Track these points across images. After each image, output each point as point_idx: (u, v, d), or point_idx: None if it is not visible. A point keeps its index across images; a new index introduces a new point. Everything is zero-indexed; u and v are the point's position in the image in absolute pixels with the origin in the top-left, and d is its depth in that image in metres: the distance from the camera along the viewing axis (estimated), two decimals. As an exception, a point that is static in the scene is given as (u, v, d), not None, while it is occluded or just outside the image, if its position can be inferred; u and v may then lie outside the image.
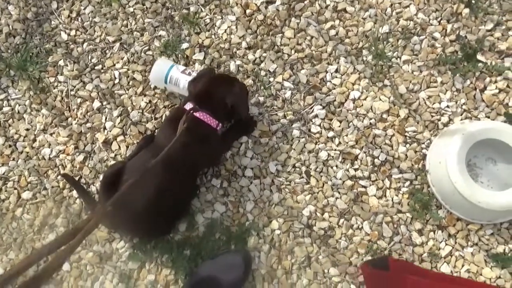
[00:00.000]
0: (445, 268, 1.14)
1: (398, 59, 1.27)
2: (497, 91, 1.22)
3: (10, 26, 1.37)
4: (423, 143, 1.22)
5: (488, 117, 1.21)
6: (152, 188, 1.07)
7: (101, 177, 1.26)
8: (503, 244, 1.14)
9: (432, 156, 1.18)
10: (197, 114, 1.10)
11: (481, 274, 1.13)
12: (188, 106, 1.11)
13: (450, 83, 1.24)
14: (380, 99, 1.25)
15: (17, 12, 1.38)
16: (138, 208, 1.08)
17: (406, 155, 1.21)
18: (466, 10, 1.28)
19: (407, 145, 1.22)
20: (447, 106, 1.23)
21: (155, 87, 1.29)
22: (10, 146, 1.31)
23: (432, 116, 1.23)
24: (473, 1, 1.27)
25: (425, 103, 1.24)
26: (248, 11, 1.32)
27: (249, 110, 1.23)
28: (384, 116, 1.24)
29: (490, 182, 1.17)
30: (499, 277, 1.12)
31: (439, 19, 1.29)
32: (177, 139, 1.04)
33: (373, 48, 1.26)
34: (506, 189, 1.07)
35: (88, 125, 1.30)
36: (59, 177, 1.28)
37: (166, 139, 1.06)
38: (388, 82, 1.25)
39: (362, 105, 1.25)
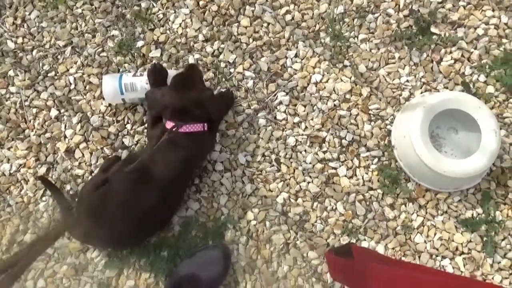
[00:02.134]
0: (418, 239, 1.17)
1: (356, 38, 1.28)
2: (452, 61, 1.25)
3: (-49, 39, 1.29)
4: (387, 119, 1.23)
5: (447, 88, 1.24)
6: (136, 199, 1.07)
7: (67, 187, 1.22)
8: (471, 209, 1.18)
9: (397, 131, 1.20)
10: (182, 129, 1.08)
11: (453, 240, 1.17)
12: (169, 125, 1.09)
13: (408, 57, 1.26)
14: (341, 80, 1.26)
15: (-44, 24, 1.30)
16: (117, 220, 1.07)
17: (371, 133, 1.23)
18: (416, -16, 1.29)
19: (372, 123, 1.24)
20: (407, 81, 1.25)
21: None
22: (-34, 165, 1.25)
23: (393, 92, 1.25)
24: (422, -25, 1.29)
25: (385, 79, 1.25)
26: (201, 2, 1.29)
27: (222, 113, 1.23)
28: (347, 96, 1.25)
29: (453, 151, 1.20)
30: (470, 241, 1.16)
31: (391, -5, 1.30)
32: (166, 150, 1.05)
33: (330, 29, 1.27)
34: (469, 156, 1.10)
35: (47, 135, 1.25)
36: (22, 191, 1.23)
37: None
38: (348, 63, 1.26)
39: (325, 87, 1.25)
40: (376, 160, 1.22)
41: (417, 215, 1.18)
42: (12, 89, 1.27)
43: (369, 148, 1.22)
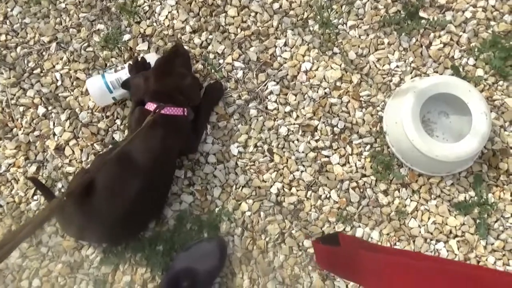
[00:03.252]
0: (412, 223, 1.18)
1: (344, 25, 1.27)
2: (441, 45, 1.25)
3: None
4: (378, 106, 1.23)
5: (437, 72, 1.24)
6: (121, 188, 1.05)
7: (59, 185, 1.21)
8: (464, 192, 1.19)
9: (388, 117, 1.20)
10: (164, 111, 1.07)
11: (446, 224, 1.18)
12: (150, 106, 1.08)
13: (397, 43, 1.26)
14: (331, 68, 1.25)
15: None
16: (106, 212, 1.05)
17: (363, 119, 1.23)
18: (404, -31, 1.28)
19: (363, 110, 1.23)
20: (397, 66, 1.24)
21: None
22: (-46, 167, 1.23)
23: (384, 78, 1.24)
24: (409, -41, 1.28)
25: (375, 66, 1.25)
26: (187, -7, 1.28)
27: (199, 92, 1.20)
28: (338, 84, 1.24)
29: (445, 135, 1.21)
30: (463, 224, 1.17)
31: (379, -20, 1.29)
32: (145, 132, 1.02)
33: (318, 17, 1.26)
34: (460, 139, 1.11)
35: (36, 133, 1.23)
36: (13, 191, 1.21)
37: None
38: (338, 50, 1.26)
39: (315, 75, 1.25)
40: (368, 147, 1.22)
41: (411, 200, 1.19)
42: (-2, 87, 1.25)
43: (361, 135, 1.22)
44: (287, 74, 1.25)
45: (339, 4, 1.27)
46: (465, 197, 1.18)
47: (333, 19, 1.26)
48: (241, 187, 1.20)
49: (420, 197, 1.19)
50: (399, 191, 1.19)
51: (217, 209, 1.19)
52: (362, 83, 1.24)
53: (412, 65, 1.24)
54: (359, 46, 1.26)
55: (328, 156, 1.21)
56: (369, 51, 1.26)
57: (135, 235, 1.18)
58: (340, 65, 1.25)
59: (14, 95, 1.25)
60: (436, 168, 1.17)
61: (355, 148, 1.22)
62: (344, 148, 1.22)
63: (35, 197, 1.21)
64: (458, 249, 1.16)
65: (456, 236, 1.17)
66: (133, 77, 1.13)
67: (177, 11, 1.27)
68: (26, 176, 1.21)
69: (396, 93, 1.22)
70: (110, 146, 1.22)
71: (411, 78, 1.24)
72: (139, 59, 1.17)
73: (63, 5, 1.28)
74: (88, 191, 1.04)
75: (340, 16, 1.27)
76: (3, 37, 1.27)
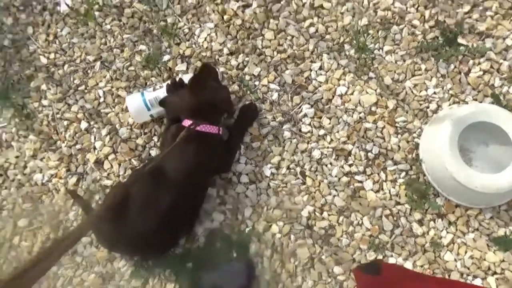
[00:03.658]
0: (448, 256, 1.13)
1: (381, 50, 1.27)
2: (481, 72, 1.22)
3: (-11, 55, 1.35)
4: (415, 132, 1.21)
5: (476, 100, 1.21)
6: (154, 202, 1.07)
7: (96, 197, 1.25)
8: (504, 227, 1.14)
9: (425, 145, 1.17)
10: (198, 128, 1.11)
11: (484, 259, 1.13)
12: (186, 123, 1.12)
13: (435, 69, 1.24)
14: (367, 92, 1.24)
15: (-7, 41, 1.36)
16: (139, 225, 1.07)
17: (398, 146, 1.21)
18: (443, -5, 1.28)
19: (399, 136, 1.22)
20: (434, 93, 1.22)
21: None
22: (1, 175, 1.30)
23: (421, 104, 1.22)
24: (449, -15, 1.27)
25: (412, 91, 1.23)
26: (225, 17, 1.31)
27: (232, 105, 1.23)
28: (373, 108, 1.23)
29: (484, 165, 1.17)
30: (503, 261, 1.12)
31: (416, 6, 1.28)
32: (179, 147, 1.06)
33: (355, 41, 1.26)
34: (501, 170, 1.07)
35: (78, 146, 1.29)
36: (53, 201, 1.27)
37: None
38: (373, 74, 1.25)
39: (350, 99, 1.24)
40: (403, 174, 1.19)
41: (447, 232, 1.15)
42: (45, 102, 1.32)
43: (396, 161, 1.20)
44: (322, 98, 1.25)
45: (375, 29, 1.27)
46: (505, 232, 1.13)
47: (369, 44, 1.26)
48: (272, 209, 1.20)
49: (457, 229, 1.15)
50: (434, 222, 1.16)
51: (247, 229, 1.20)
52: (398, 109, 1.23)
53: (450, 92, 1.22)
54: (395, 72, 1.25)
55: (361, 182, 1.20)
56: (406, 77, 1.24)
57: (166, 250, 1.19)
58: (376, 90, 1.24)
59: (60, 109, 1.31)
60: (475, 200, 1.13)
61: (390, 175, 1.20)
62: (378, 174, 1.20)
63: (73, 208, 1.26)
64: (497, 287, 1.11)
65: (495, 273, 1.12)
66: (169, 95, 1.17)
67: (216, 34, 1.31)
68: (66, 188, 1.26)
69: (433, 120, 1.19)
70: (146, 161, 1.25)
71: (449, 105, 1.21)
72: (177, 79, 1.21)
73: (108, 27, 1.34)
74: (123, 204, 1.07)
75: (376, 41, 1.27)
76: (52, 56, 1.34)
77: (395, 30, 1.27)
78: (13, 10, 1.37)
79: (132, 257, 1.21)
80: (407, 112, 1.23)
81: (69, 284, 1.22)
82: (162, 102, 1.18)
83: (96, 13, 1.34)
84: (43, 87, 1.32)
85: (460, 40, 1.24)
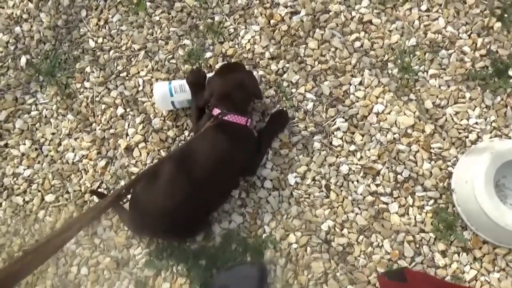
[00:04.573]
0: (469, 293, 1.09)
1: (425, 73, 1.23)
2: (529, 108, 1.17)
3: (41, 33, 1.41)
4: (449, 161, 1.17)
5: (520, 136, 1.16)
6: (177, 186, 1.09)
7: (122, 182, 1.28)
8: (533, 270, 1.08)
9: (459, 175, 1.13)
10: (226, 118, 1.12)
11: (507, 301, 1.07)
12: (215, 111, 1.13)
13: (479, 99, 1.20)
14: (404, 114, 1.21)
15: (48, 20, 1.42)
16: (160, 205, 1.09)
17: (430, 172, 1.17)
18: (498, 24, 1.23)
19: (432, 162, 1.18)
20: (476, 123, 1.18)
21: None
22: (36, 149, 1.35)
23: (460, 133, 1.18)
24: (505, 15, 1.23)
25: (452, 119, 1.20)
26: (272, 21, 1.31)
27: (260, 90, 1.23)
28: (409, 131, 1.20)
29: (520, 204, 1.12)
30: (527, 305, 1.07)
31: (469, 32, 1.24)
32: (203, 137, 1.08)
33: (399, 61, 1.23)
34: (537, 212, 1.02)
35: (111, 131, 1.32)
36: (81, 181, 1.30)
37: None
38: (414, 97, 1.22)
39: (386, 119, 1.22)
40: (432, 201, 1.15)
41: (471, 268, 1.10)
42: (87, 84, 1.36)
43: (426, 188, 1.16)
44: (358, 113, 1.23)
45: (422, 51, 1.24)
46: (533, 276, 1.08)
47: (414, 65, 1.23)
48: (292, 218, 1.19)
49: (482, 266, 1.10)
50: (458, 255, 1.11)
51: (264, 235, 1.19)
52: (435, 135, 1.19)
53: (493, 124, 1.17)
54: (437, 96, 1.21)
55: (387, 203, 1.17)
56: (448, 103, 1.21)
57: (183, 236, 1.20)
58: (414, 113, 1.21)
59: (100, 93, 1.35)
60: (505, 239, 1.08)
61: (417, 201, 1.16)
62: (405, 198, 1.17)
63: (99, 190, 1.28)
64: (518, 332, 1.05)
65: (517, 317, 1.07)
66: (196, 80, 1.20)
67: (260, 37, 1.32)
68: (88, 190, 1.28)
69: (471, 150, 1.15)
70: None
71: (490, 137, 1.17)
72: (195, 69, 1.25)
73: (157, 18, 1.37)
74: (149, 183, 1.10)
75: (422, 63, 1.24)
76: (100, 40, 1.38)
77: (443, 54, 1.23)
78: (70, -7, 1.43)
79: (148, 236, 1.22)
80: (444, 139, 1.19)
81: (85, 264, 1.24)
82: (190, 83, 1.21)
83: (148, 4, 1.37)
84: (88, 69, 1.37)
85: (511, 72, 1.19)
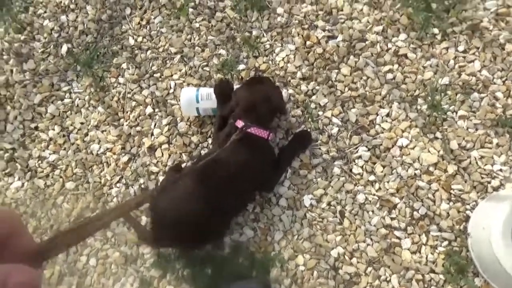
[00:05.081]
0: None
1: (454, 113, 1.23)
2: (557, 163, 1.15)
3: (85, 25, 1.46)
4: (468, 204, 1.16)
5: (544, 189, 1.14)
6: (197, 196, 1.10)
7: (141, 180, 1.30)
8: (541, 328, 1.06)
9: (476, 220, 1.12)
10: (249, 130, 1.13)
11: None
12: (239, 123, 1.14)
13: (507, 146, 1.19)
14: (429, 151, 1.21)
15: (93, 13, 1.47)
16: (180, 213, 1.10)
17: (448, 213, 1.16)
18: (535, 74, 1.22)
19: (451, 203, 1.17)
20: (500, 170, 1.17)
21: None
22: (63, 136, 1.39)
23: (482, 178, 1.17)
24: (544, 66, 1.22)
25: (476, 162, 1.19)
26: (308, 42, 1.33)
27: (284, 104, 1.25)
28: (431, 169, 1.20)
29: (536, 258, 1.09)
30: None
31: (503, 79, 1.24)
32: (229, 149, 1.10)
33: (430, 98, 1.23)
34: (553, 270, 1.00)
35: (138, 128, 1.35)
36: (102, 173, 1.33)
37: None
38: (440, 135, 1.22)
39: (409, 154, 1.22)
40: (446, 243, 1.14)
41: (477, 316, 1.09)
42: (121, 80, 1.40)
43: (441, 228, 1.15)
44: (381, 144, 1.23)
45: (454, 91, 1.24)
46: (541, 335, 1.05)
47: (444, 104, 1.23)
48: (302, 239, 1.19)
49: (488, 316, 1.08)
50: (466, 301, 1.10)
51: (273, 252, 1.19)
52: (457, 176, 1.18)
53: (518, 174, 1.16)
54: (464, 138, 1.21)
55: (399, 238, 1.16)
56: (474, 146, 1.20)
57: (196, 246, 1.20)
58: (439, 151, 1.20)
59: (132, 90, 1.38)
60: (516, 292, 1.06)
61: (431, 240, 1.15)
62: (419, 235, 1.16)
63: (118, 185, 1.31)
64: None
65: None
66: (223, 87, 1.23)
67: (294, 56, 1.33)
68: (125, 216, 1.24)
69: (492, 197, 1.14)
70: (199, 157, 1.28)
71: (513, 187, 1.15)
72: (223, 80, 1.27)
73: (197, 25, 1.40)
74: (171, 191, 1.12)
75: (452, 103, 1.23)
76: (140, 39, 1.42)
77: (475, 97, 1.23)
78: (117, -10, 1.48)
79: (165, 246, 1.22)
80: (465, 182, 1.18)
81: (94, 255, 1.27)
82: (217, 87, 1.23)
83: (190, 10, 1.41)
84: (124, 65, 1.40)
85: (541, 124, 1.18)
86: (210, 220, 1.11)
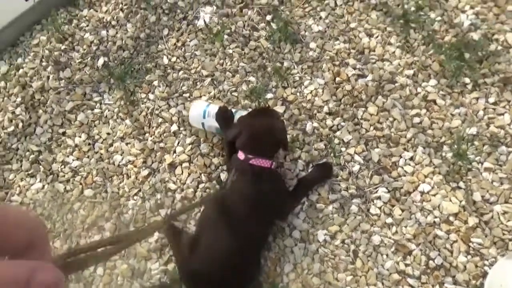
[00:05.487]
0: None
1: (480, 164, 1.21)
2: None
3: (123, 41, 1.52)
4: (487, 260, 1.12)
5: None
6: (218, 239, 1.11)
7: (158, 195, 1.31)
8: None
9: (494, 277, 1.08)
10: (252, 162, 1.14)
11: None
12: (241, 156, 1.16)
13: (532, 204, 1.15)
14: (450, 200, 1.19)
15: (132, 30, 1.53)
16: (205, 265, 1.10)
17: (465, 266, 1.13)
18: None
19: (469, 257, 1.13)
20: (523, 228, 1.13)
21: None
22: (89, 144, 1.42)
23: (504, 234, 1.14)
24: None
25: (499, 217, 1.15)
26: (337, 79, 1.35)
27: (287, 139, 1.24)
28: (451, 218, 1.17)
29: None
30: None
31: (534, 135, 1.22)
32: (237, 182, 1.10)
33: (455, 146, 1.22)
34: None
35: (161, 144, 1.37)
36: (121, 184, 1.35)
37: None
38: (463, 185, 1.19)
39: (430, 200, 1.19)
40: (460, 297, 1.10)
41: None
42: (151, 96, 1.44)
43: (456, 281, 1.12)
44: (402, 187, 1.22)
45: (481, 142, 1.23)
46: None
47: (470, 154, 1.21)
48: (312, 275, 1.17)
49: None
50: None
51: (280, 284, 1.17)
52: (478, 229, 1.15)
53: (542, 234, 1.12)
54: (488, 191, 1.18)
55: (412, 287, 1.13)
56: (497, 200, 1.17)
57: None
58: (460, 202, 1.18)
59: (160, 107, 1.42)
60: None
61: (445, 292, 1.11)
62: (433, 286, 1.12)
63: (135, 197, 1.33)
64: None
65: None
66: (222, 116, 1.25)
67: (322, 91, 1.35)
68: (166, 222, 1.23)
69: (512, 255, 1.10)
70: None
71: (536, 247, 1.11)
72: (222, 108, 1.27)
73: (230, 51, 1.44)
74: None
75: (478, 153, 1.22)
76: (173, 59, 1.47)
77: (503, 150, 1.21)
78: (159, 11, 1.54)
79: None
80: (486, 236, 1.14)
81: (102, 265, 1.27)
82: (219, 116, 1.25)
83: (225, 36, 1.45)
84: (155, 83, 1.45)
85: None
86: (243, 262, 1.10)
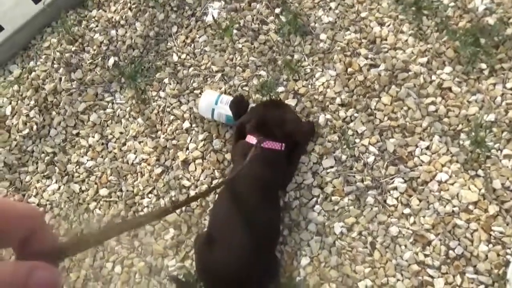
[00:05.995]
0: None
1: (499, 151, 1.18)
2: None
3: (133, 40, 1.52)
4: (509, 248, 1.10)
5: None
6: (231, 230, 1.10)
7: (172, 193, 1.31)
8: None
9: (517, 266, 1.05)
10: (264, 145, 1.14)
11: None
12: (252, 140, 1.15)
13: (555, 190, 1.12)
14: (469, 188, 1.16)
15: (142, 29, 1.53)
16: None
17: (486, 255, 1.10)
18: None
19: (490, 245, 1.11)
20: (546, 215, 1.10)
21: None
22: (102, 144, 1.43)
23: (526, 222, 1.11)
24: None
25: (520, 205, 1.13)
26: (349, 69, 1.33)
27: (304, 132, 1.25)
28: (470, 207, 1.15)
29: None
30: None
31: (555, 120, 1.19)
32: (250, 165, 1.07)
33: (473, 133, 1.19)
34: None
35: (174, 142, 1.37)
36: (135, 182, 1.35)
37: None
38: (482, 173, 1.17)
39: (448, 189, 1.17)
40: (482, 287, 1.08)
41: None
42: (162, 94, 1.44)
43: (478, 270, 1.09)
44: (419, 177, 1.19)
45: (500, 129, 1.20)
46: None
47: (488, 141, 1.18)
48: (329, 268, 1.16)
49: None
50: None
51: (298, 278, 1.16)
52: (499, 217, 1.12)
53: None
54: (508, 178, 1.15)
55: (432, 277, 1.11)
56: (518, 188, 1.14)
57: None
58: (480, 190, 1.15)
59: (171, 104, 1.42)
60: None
61: (466, 282, 1.09)
62: (454, 276, 1.10)
63: (149, 195, 1.33)
64: None
65: None
66: (238, 104, 1.26)
67: (334, 82, 1.33)
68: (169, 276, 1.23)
69: (536, 243, 1.07)
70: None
71: (560, 234, 1.08)
72: (239, 97, 1.29)
73: (240, 46, 1.43)
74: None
75: (497, 140, 1.19)
76: (183, 56, 1.46)
77: (522, 136, 1.18)
78: (167, 9, 1.54)
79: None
80: (507, 224, 1.12)
81: (120, 263, 1.27)
82: (233, 104, 1.26)
83: (234, 31, 1.44)
84: (166, 80, 1.44)
85: None
86: (259, 256, 1.08)
